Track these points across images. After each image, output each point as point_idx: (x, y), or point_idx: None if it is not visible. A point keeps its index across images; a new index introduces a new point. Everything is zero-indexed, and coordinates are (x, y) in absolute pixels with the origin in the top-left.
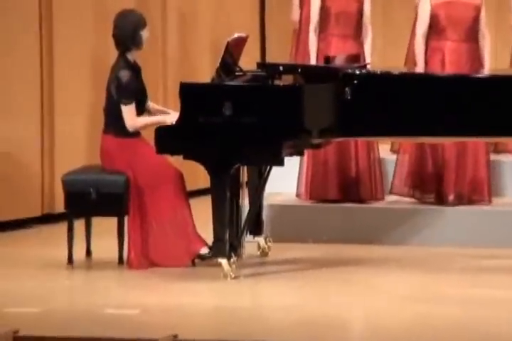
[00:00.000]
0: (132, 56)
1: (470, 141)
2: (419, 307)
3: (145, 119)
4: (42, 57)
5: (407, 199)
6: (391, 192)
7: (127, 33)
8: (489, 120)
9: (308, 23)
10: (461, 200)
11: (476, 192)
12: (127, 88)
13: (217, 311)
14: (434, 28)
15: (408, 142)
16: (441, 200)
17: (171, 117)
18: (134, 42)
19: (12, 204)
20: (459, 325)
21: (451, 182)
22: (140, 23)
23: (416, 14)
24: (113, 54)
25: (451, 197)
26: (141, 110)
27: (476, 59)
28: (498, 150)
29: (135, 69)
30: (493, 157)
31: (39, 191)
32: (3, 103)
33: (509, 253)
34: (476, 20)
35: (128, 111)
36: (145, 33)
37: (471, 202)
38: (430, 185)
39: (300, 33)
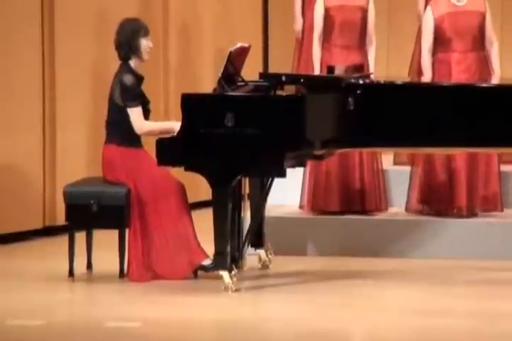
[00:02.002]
0: (135, 65)
1: (480, 151)
2: (424, 321)
3: (154, 124)
4: (44, 70)
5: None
6: (407, 210)
7: (125, 39)
8: (496, 130)
9: (311, 32)
10: (474, 212)
11: (489, 203)
12: (132, 91)
13: (218, 324)
14: (440, 40)
15: (413, 153)
16: (454, 213)
17: (180, 126)
18: (131, 48)
19: (13, 217)
20: (464, 338)
21: (464, 194)
22: (139, 30)
23: (419, 23)
24: (114, 67)
25: (464, 209)
26: (146, 116)
27: (485, 68)
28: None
29: (138, 77)
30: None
31: (40, 203)
32: (5, 116)
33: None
34: (481, 27)
35: (135, 114)
36: (145, 42)
37: (483, 213)
38: (442, 198)
39: (303, 43)
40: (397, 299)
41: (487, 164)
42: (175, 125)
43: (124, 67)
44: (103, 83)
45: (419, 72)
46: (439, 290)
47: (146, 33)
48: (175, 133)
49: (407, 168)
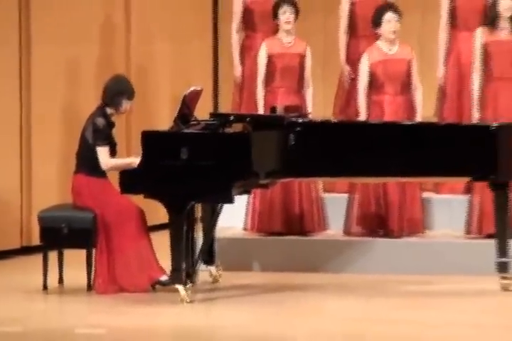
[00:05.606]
0: (110, 113)
1: (407, 181)
2: (363, 327)
3: (117, 160)
4: (21, 108)
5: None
6: (345, 232)
7: (110, 93)
8: (421, 161)
9: (251, 77)
10: (402, 233)
11: (414, 225)
12: (103, 132)
13: (176, 331)
14: (374, 83)
15: (347, 182)
16: (387, 234)
17: (138, 160)
18: (112, 103)
19: None
20: None
21: (395, 218)
22: (126, 93)
23: (341, 71)
24: (85, 106)
25: (396, 231)
26: (113, 155)
27: (411, 109)
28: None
29: (110, 122)
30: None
31: (18, 226)
32: None
33: (433, 279)
34: (409, 73)
35: (102, 152)
36: (126, 103)
37: (410, 234)
38: (377, 222)
39: (243, 87)
40: (338, 308)
41: (411, 191)
42: (134, 160)
43: (100, 111)
44: (74, 123)
45: (341, 112)
46: (374, 301)
47: (130, 97)
48: (135, 166)
49: (337, 195)
